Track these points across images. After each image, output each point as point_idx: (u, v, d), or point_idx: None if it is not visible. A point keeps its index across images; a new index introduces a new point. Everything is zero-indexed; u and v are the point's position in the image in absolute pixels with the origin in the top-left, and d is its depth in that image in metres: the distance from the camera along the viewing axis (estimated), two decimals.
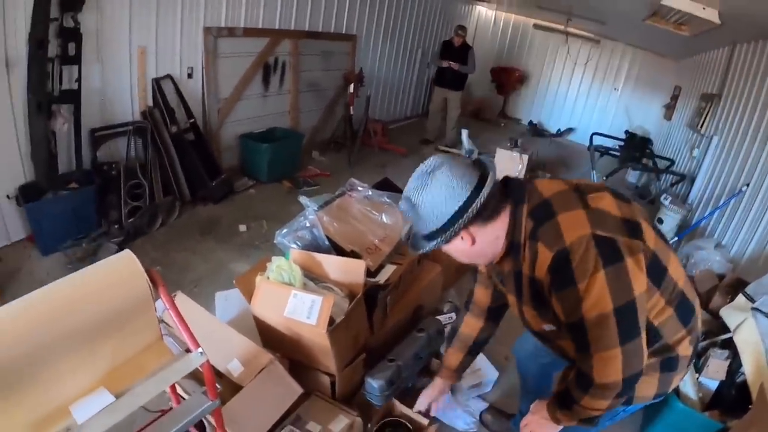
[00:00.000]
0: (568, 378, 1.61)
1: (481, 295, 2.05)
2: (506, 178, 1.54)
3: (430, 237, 1.50)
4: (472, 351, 2.16)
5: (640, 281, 1.36)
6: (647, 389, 1.62)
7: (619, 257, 1.33)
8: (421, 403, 2.33)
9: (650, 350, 1.51)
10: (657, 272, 1.46)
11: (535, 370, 2.31)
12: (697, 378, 2.73)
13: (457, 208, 1.41)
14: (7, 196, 3.90)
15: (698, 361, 2.79)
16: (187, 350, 1.57)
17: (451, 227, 1.43)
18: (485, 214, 1.45)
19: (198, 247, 4.41)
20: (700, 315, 1.64)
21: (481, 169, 1.48)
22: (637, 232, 1.40)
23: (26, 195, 3.90)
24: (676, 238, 5.00)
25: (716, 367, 2.69)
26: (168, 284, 3.82)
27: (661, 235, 1.54)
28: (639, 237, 1.40)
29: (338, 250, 2.85)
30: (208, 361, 1.55)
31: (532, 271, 1.46)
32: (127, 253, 1.55)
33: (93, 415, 1.37)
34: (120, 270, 1.53)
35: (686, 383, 2.71)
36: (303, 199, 3.05)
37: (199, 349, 1.53)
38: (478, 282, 2.05)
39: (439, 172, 1.43)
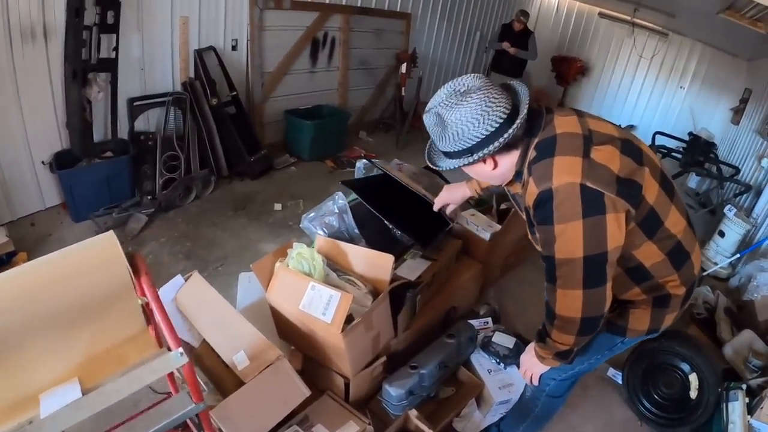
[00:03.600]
0: None
1: None
2: (530, 109, 1.51)
3: (452, 155, 1.56)
4: None
5: (615, 237, 1.42)
6: (641, 323, 1.72)
7: (600, 210, 1.38)
8: (439, 203, 2.48)
9: (641, 287, 1.65)
10: (651, 225, 1.53)
11: None
12: (749, 421, 2.45)
13: (487, 134, 1.46)
14: (42, 162, 3.92)
15: (752, 400, 2.55)
16: (169, 347, 1.39)
17: (478, 151, 1.49)
18: (510, 144, 1.49)
19: (229, 224, 4.31)
20: (696, 262, 1.70)
21: (514, 97, 1.52)
22: (628, 191, 1.43)
23: (61, 162, 3.90)
24: (738, 255, 4.57)
25: None
26: (194, 260, 3.71)
27: (667, 188, 1.57)
28: (630, 195, 1.43)
29: (372, 239, 2.64)
30: (189, 361, 1.36)
31: (524, 198, 1.55)
32: (108, 236, 1.42)
33: (57, 410, 1.29)
34: (100, 253, 1.42)
35: (736, 425, 2.45)
36: (360, 163, 2.88)
37: (179, 350, 1.34)
38: None
39: (474, 95, 1.44)
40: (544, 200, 1.42)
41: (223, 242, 4.01)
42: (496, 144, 1.45)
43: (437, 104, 1.50)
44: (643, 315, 1.70)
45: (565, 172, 1.39)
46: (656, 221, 1.53)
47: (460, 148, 1.51)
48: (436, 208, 2.48)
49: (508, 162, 1.56)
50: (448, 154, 1.57)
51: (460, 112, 1.45)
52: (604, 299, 1.50)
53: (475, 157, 1.49)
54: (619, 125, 1.66)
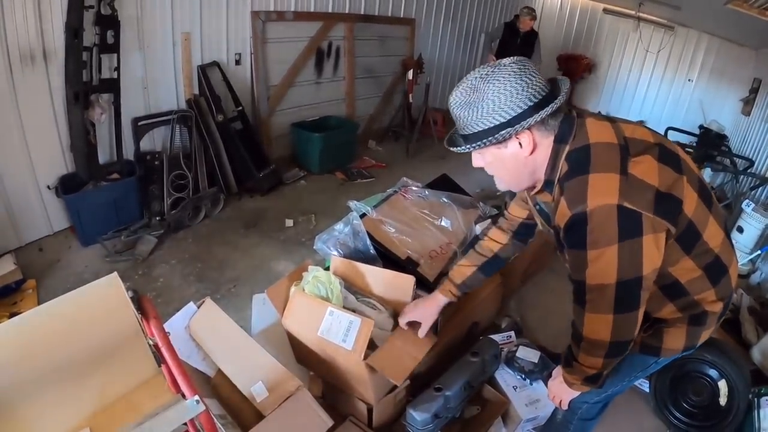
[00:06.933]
0: None
1: (516, 210, 1.93)
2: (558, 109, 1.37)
3: (481, 135, 1.36)
4: (485, 269, 2.03)
5: (653, 260, 1.31)
6: (676, 341, 1.60)
7: (638, 232, 1.27)
8: (404, 320, 2.17)
9: (676, 304, 1.53)
10: (689, 239, 1.40)
11: None
12: None
13: (533, 103, 1.31)
14: (48, 187, 3.87)
15: None
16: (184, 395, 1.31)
17: (519, 122, 1.31)
18: (551, 123, 1.35)
19: (241, 242, 4.23)
20: (734, 275, 1.57)
21: (553, 81, 1.40)
22: (668, 207, 1.31)
23: (66, 186, 3.85)
24: (759, 252, 4.45)
25: None
26: (206, 282, 3.61)
27: (705, 197, 1.44)
28: (669, 213, 1.32)
29: (387, 259, 2.55)
30: (207, 410, 1.28)
31: (553, 216, 1.40)
32: (112, 278, 1.34)
33: None
34: (104, 298, 1.34)
35: None
36: (352, 204, 2.77)
37: (195, 397, 1.26)
38: (517, 198, 1.93)
39: (515, 64, 1.33)
40: (577, 224, 1.29)
41: (235, 262, 3.93)
42: (544, 112, 1.30)
43: (470, 78, 1.35)
44: (678, 334, 1.58)
45: (601, 193, 1.26)
46: (694, 235, 1.41)
47: (498, 122, 1.32)
48: (402, 325, 2.18)
49: (544, 150, 1.39)
50: (476, 135, 1.37)
51: (500, 79, 1.30)
52: (635, 324, 1.41)
53: (515, 129, 1.31)
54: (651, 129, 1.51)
